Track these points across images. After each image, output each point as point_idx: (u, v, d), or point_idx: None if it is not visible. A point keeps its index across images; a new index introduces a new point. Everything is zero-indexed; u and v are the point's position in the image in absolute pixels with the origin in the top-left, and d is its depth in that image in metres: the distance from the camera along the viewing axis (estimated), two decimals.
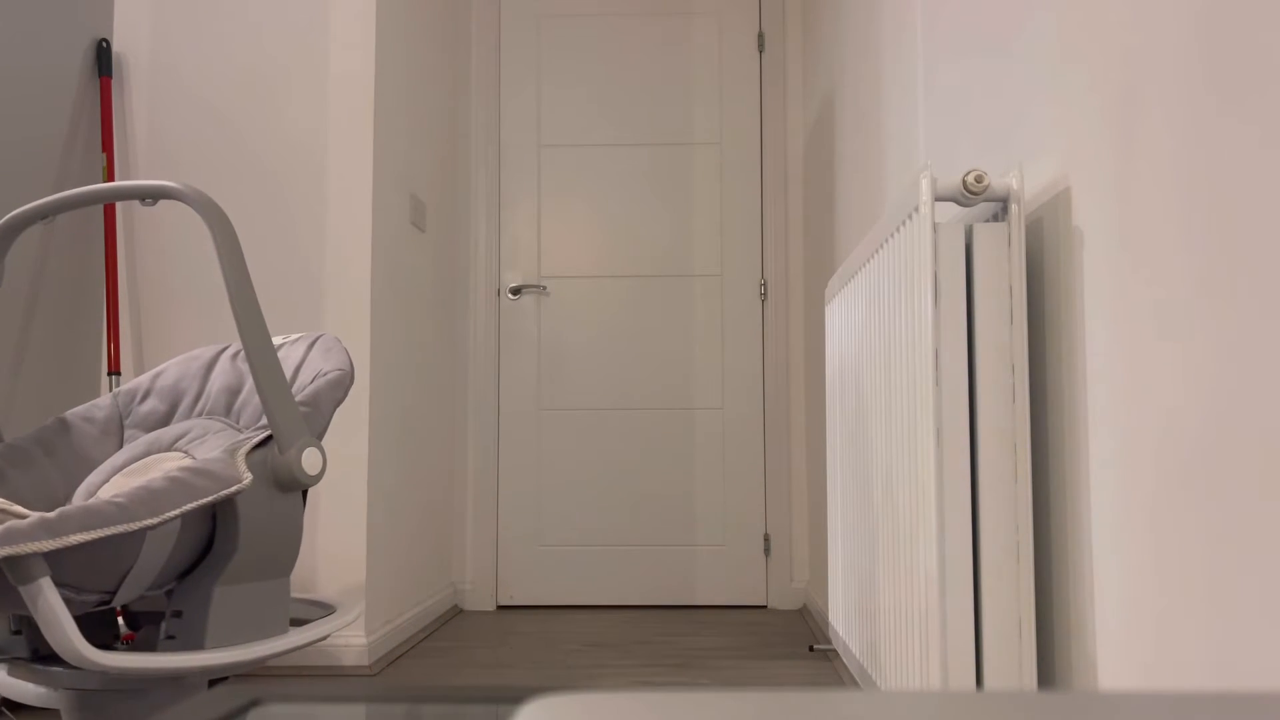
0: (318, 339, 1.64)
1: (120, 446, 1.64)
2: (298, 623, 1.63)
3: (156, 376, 1.69)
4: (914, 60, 1.72)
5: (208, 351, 1.72)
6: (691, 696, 0.32)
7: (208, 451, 1.54)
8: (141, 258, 2.37)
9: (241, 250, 1.35)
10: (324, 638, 1.49)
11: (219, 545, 1.36)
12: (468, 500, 3.16)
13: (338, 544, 2.26)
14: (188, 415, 1.66)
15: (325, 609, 1.66)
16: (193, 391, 1.67)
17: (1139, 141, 0.89)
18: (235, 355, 1.69)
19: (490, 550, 3.14)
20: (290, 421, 1.39)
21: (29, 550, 1.09)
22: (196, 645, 1.31)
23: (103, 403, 1.66)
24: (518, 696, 0.39)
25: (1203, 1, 0.78)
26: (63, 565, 1.17)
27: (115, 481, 1.52)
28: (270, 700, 0.40)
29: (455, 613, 3.06)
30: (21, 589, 1.12)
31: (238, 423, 1.61)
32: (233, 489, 1.29)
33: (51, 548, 1.10)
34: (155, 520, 1.19)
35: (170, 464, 1.55)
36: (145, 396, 1.67)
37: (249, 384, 1.63)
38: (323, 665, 2.24)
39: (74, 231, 2.28)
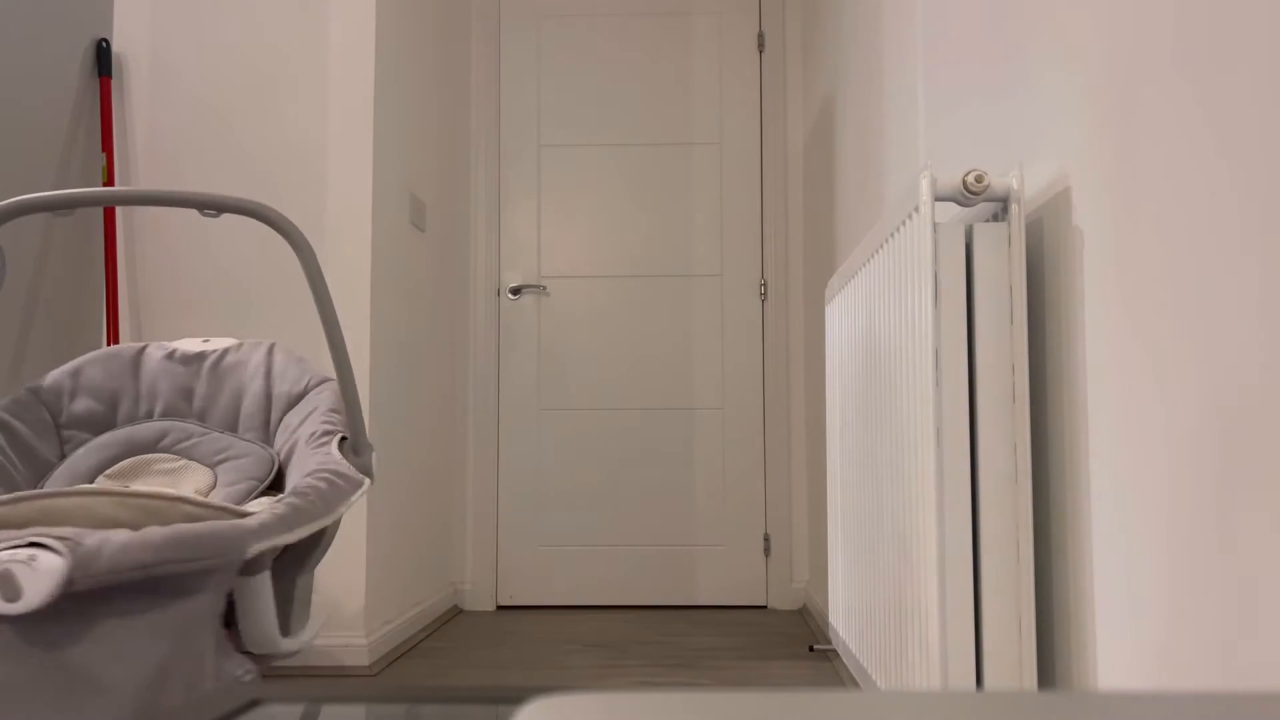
0: (272, 346, 1.67)
1: (60, 445, 1.61)
2: None
3: (75, 375, 1.65)
4: (914, 60, 1.72)
5: (125, 350, 1.69)
6: (691, 696, 0.32)
7: (210, 454, 1.54)
8: (141, 258, 2.37)
9: (321, 271, 1.43)
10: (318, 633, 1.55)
11: (313, 538, 1.41)
12: (468, 500, 3.16)
13: (338, 544, 2.26)
14: (134, 416, 1.64)
15: None
16: (129, 391, 1.65)
17: (1139, 141, 0.89)
18: (170, 355, 1.67)
19: (490, 550, 3.14)
20: (363, 429, 1.49)
21: (284, 541, 1.12)
22: (284, 629, 1.36)
23: (24, 399, 1.60)
24: (518, 696, 0.39)
25: (1206, 2, 0.78)
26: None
27: (104, 484, 1.52)
28: (270, 700, 0.40)
29: (455, 613, 3.06)
30: (251, 580, 1.15)
31: (203, 422, 1.61)
32: (364, 489, 1.37)
33: (295, 539, 1.13)
34: (338, 515, 1.28)
35: (166, 465, 1.54)
36: (74, 395, 1.64)
37: (204, 387, 1.64)
38: (322, 665, 2.24)
39: (74, 231, 2.28)
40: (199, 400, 1.63)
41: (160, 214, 2.38)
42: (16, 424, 1.57)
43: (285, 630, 1.37)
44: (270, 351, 1.66)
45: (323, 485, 1.29)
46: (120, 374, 1.66)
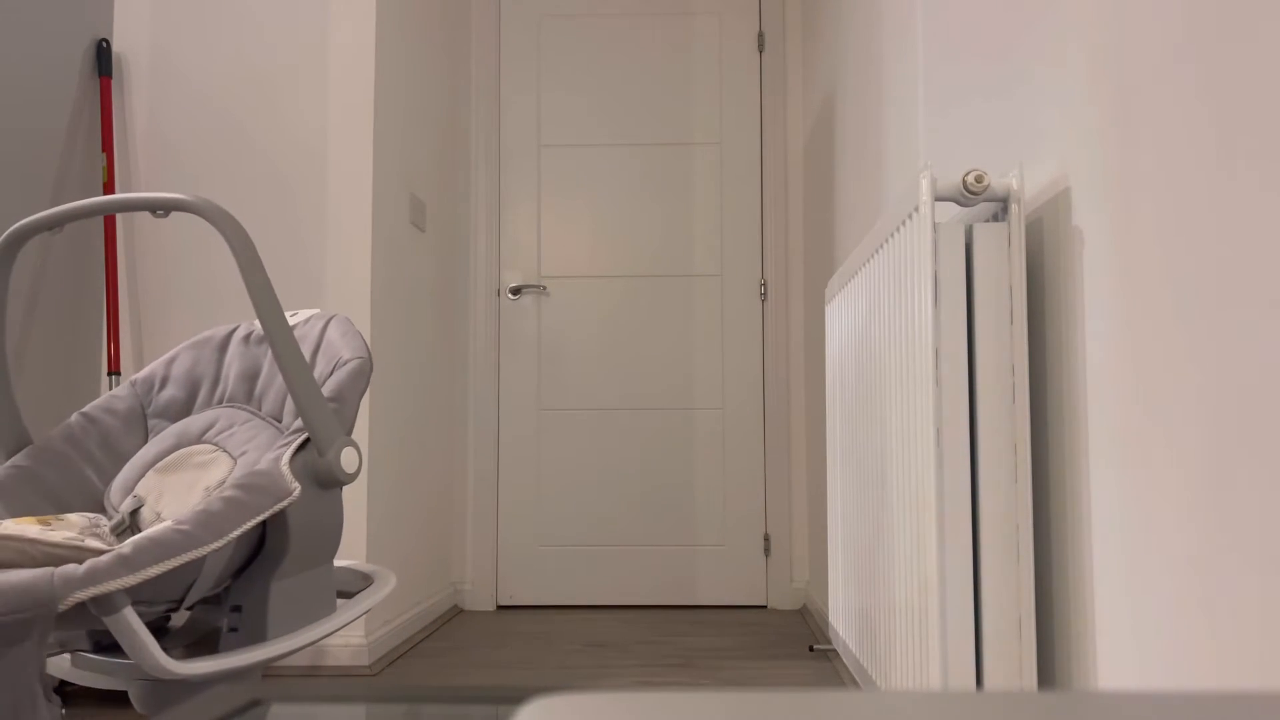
0: (331, 319, 1.62)
1: (145, 437, 1.64)
2: (342, 595, 1.65)
3: (170, 362, 1.68)
4: (914, 60, 1.72)
5: (218, 333, 1.70)
6: (691, 696, 0.32)
7: (239, 445, 1.54)
8: (141, 258, 2.37)
9: (259, 258, 1.35)
10: (368, 611, 1.52)
11: (271, 546, 1.40)
12: (468, 500, 3.16)
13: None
14: (208, 402, 1.65)
15: (361, 577, 1.67)
16: (209, 377, 1.66)
17: (1138, 141, 0.89)
18: (247, 337, 1.68)
19: (490, 550, 3.14)
20: (326, 425, 1.42)
21: (114, 588, 1.13)
22: (259, 637, 1.36)
23: (121, 393, 1.66)
24: (518, 696, 0.39)
25: (1206, 2, 0.78)
26: (136, 588, 1.22)
27: (150, 479, 1.52)
28: (270, 700, 0.40)
29: (455, 613, 3.07)
30: (107, 620, 1.16)
31: (260, 409, 1.60)
32: (284, 502, 1.33)
33: (133, 583, 1.15)
34: (219, 543, 1.25)
35: (202, 457, 1.55)
36: (163, 384, 1.67)
37: (267, 369, 1.63)
38: (323, 665, 2.24)
39: (74, 232, 2.28)
40: (261, 383, 1.63)
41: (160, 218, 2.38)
42: (107, 418, 1.62)
43: (263, 634, 1.36)
44: (326, 326, 1.62)
45: (217, 506, 1.26)
46: (206, 359, 1.67)
